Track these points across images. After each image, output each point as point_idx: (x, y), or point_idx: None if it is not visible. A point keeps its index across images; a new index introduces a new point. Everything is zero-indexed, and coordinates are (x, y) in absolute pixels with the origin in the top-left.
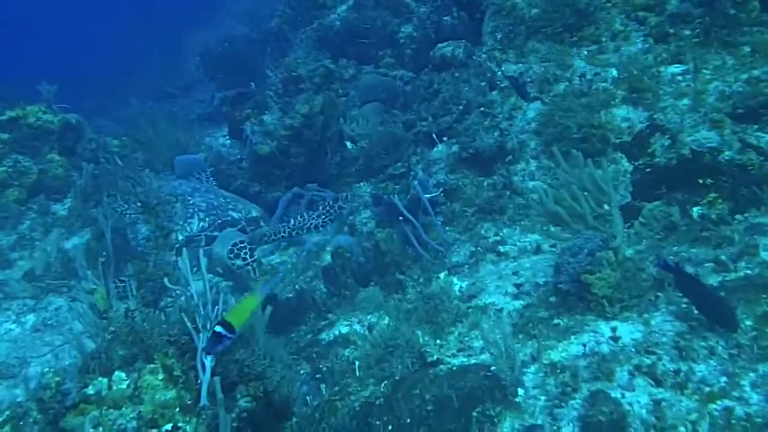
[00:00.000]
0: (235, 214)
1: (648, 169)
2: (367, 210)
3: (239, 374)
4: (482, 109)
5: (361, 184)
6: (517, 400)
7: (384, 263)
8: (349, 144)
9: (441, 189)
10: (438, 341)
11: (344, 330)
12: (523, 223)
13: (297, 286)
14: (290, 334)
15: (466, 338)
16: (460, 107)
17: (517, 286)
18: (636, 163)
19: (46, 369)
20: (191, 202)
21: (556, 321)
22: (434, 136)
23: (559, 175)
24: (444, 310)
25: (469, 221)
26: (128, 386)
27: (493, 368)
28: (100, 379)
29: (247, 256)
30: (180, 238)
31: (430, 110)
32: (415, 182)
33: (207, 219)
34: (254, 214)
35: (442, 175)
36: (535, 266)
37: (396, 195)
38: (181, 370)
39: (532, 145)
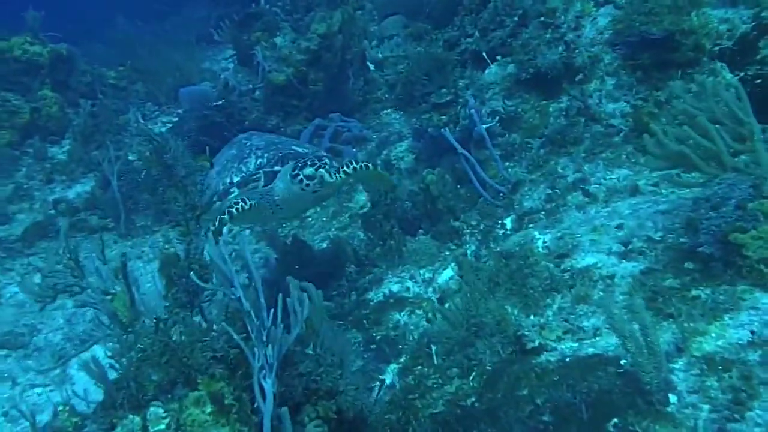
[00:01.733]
0: (299, 149)
1: (758, 81)
2: (403, 143)
3: (305, 391)
4: (542, 18)
5: (389, 111)
6: (669, 410)
7: (436, 209)
8: (371, 66)
9: (497, 117)
10: (534, 318)
11: (395, 288)
12: (605, 155)
13: (330, 233)
14: (331, 291)
15: (572, 315)
16: (515, 18)
17: (624, 243)
18: (741, 74)
19: (59, 406)
20: (248, 144)
21: (695, 293)
22: (485, 55)
23: (675, 106)
24: (531, 274)
25: (538, 156)
26: (168, 426)
27: (623, 362)
28: (130, 416)
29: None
30: (235, 179)
31: (478, 24)
32: (467, 110)
33: (265, 155)
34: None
35: (497, 101)
36: (638, 212)
37: (445, 128)
38: (233, 396)
39: (607, 59)
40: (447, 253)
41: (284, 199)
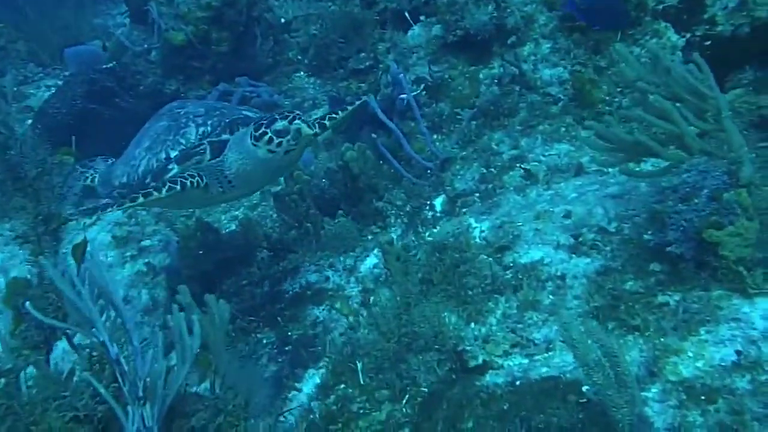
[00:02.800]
0: (249, 113)
1: (707, 42)
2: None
3: None
4: None
5: (301, 74)
6: None
7: (357, 188)
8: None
9: (422, 86)
10: (475, 327)
11: (313, 278)
12: (543, 127)
13: (239, 213)
14: (240, 280)
15: (519, 324)
16: None
17: (573, 234)
18: (688, 36)
19: None
20: (182, 112)
21: (662, 298)
22: (407, 14)
23: (624, 76)
24: (469, 271)
25: (469, 129)
26: None
27: (586, 389)
28: None
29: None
30: (172, 154)
31: None
32: (389, 77)
33: (209, 122)
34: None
35: (422, 66)
36: (585, 196)
37: (366, 96)
38: None
39: (542, 20)
40: (370, 237)
41: (239, 173)
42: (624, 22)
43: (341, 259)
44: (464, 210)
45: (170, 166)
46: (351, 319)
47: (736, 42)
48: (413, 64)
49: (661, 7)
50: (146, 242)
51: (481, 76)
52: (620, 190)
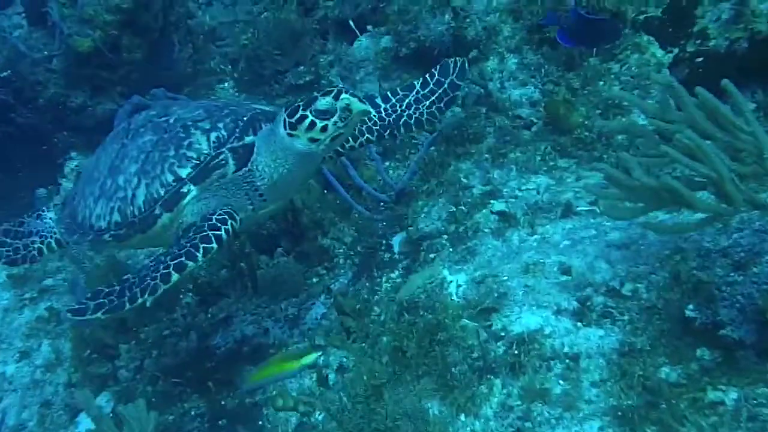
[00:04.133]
0: (263, 106)
1: (699, 59)
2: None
3: None
4: None
5: (226, 85)
6: None
7: (299, 223)
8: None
9: None
10: (467, 419)
11: (249, 330)
12: (515, 156)
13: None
14: (162, 329)
15: (525, 421)
16: None
17: (576, 294)
18: (676, 51)
19: None
20: (171, 120)
21: (714, 395)
22: (351, 23)
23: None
24: (450, 340)
25: (430, 157)
26: None
27: None
28: None
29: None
30: (183, 173)
31: None
32: None
33: (220, 125)
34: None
35: (371, 83)
36: (581, 245)
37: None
38: None
39: (507, 31)
40: (315, 280)
41: (274, 180)
42: (615, 39)
43: (282, 306)
44: (432, 255)
45: (185, 189)
46: (302, 408)
47: (732, 58)
48: (361, 80)
49: (642, 17)
50: (48, 281)
51: None
52: (623, 238)
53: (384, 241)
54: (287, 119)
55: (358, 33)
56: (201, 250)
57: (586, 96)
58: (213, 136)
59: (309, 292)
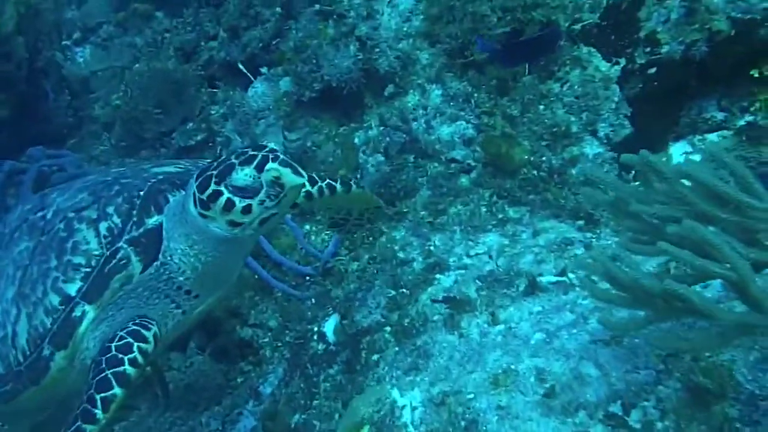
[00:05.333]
0: (167, 168)
1: (652, 70)
2: None
3: None
4: (317, 6)
5: None
6: None
7: (211, 316)
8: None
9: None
10: None
11: None
12: (455, 210)
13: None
14: None
15: None
16: (278, 9)
17: (572, 425)
18: (623, 63)
19: None
20: (48, 215)
21: None
22: (241, 66)
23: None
24: None
25: (353, 220)
26: None
27: None
28: None
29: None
30: (71, 289)
31: (222, 19)
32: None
33: (109, 209)
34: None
35: (275, 135)
36: (559, 340)
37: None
38: None
39: (424, 58)
40: (240, 380)
41: (198, 272)
42: (557, 43)
43: (203, 421)
44: (375, 357)
45: (78, 311)
46: None
47: (690, 66)
48: (262, 133)
49: (578, 26)
50: None
51: (356, 140)
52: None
53: (316, 328)
54: (197, 194)
55: (251, 77)
56: (99, 404)
57: (528, 125)
58: (103, 227)
59: (234, 398)
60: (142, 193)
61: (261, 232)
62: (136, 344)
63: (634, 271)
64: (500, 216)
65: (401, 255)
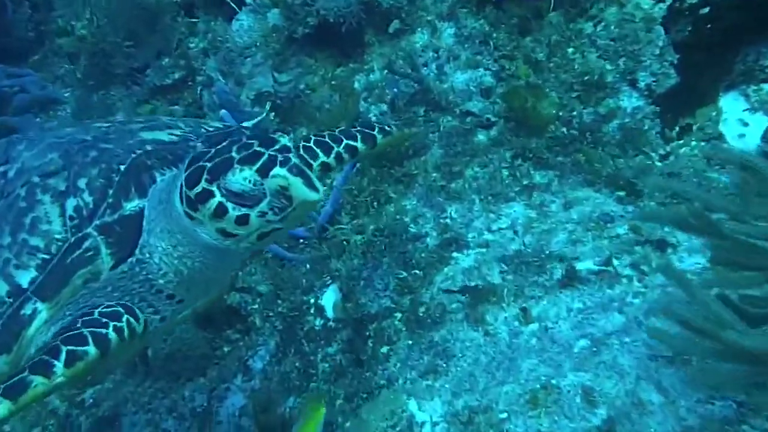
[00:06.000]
0: (161, 134)
1: (704, 10)
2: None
3: None
4: None
5: None
6: None
7: None
8: None
9: (268, 105)
10: None
11: None
12: (471, 173)
13: None
14: None
15: None
16: None
17: None
18: (670, 2)
19: None
20: (10, 173)
21: None
22: None
23: None
24: None
25: (360, 186)
26: None
27: None
28: None
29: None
30: (23, 279)
31: None
32: (213, 95)
33: (82, 181)
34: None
35: (263, 75)
36: (608, 348)
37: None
38: None
39: None
40: (226, 349)
41: (185, 275)
42: None
43: (186, 394)
44: (384, 350)
45: (27, 309)
46: None
47: (749, 5)
48: (249, 73)
49: None
50: None
51: (355, 84)
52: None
53: (312, 300)
54: (185, 189)
55: (236, 8)
56: (63, 356)
57: (555, 72)
58: (70, 204)
59: (220, 370)
60: (123, 167)
61: (260, 246)
62: (126, 315)
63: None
64: (525, 182)
65: (413, 228)
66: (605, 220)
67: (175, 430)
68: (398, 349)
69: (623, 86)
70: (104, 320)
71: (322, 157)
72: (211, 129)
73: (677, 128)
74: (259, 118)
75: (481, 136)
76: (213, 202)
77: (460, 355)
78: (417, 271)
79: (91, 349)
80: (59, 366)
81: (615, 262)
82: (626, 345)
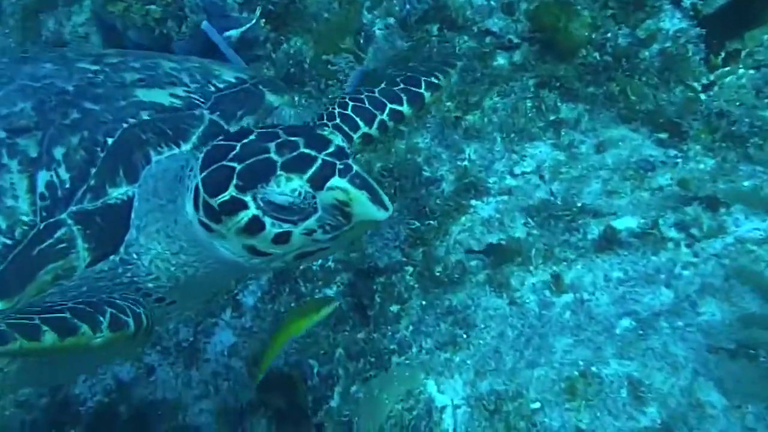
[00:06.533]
0: (161, 97)
1: None
2: None
3: None
4: None
5: None
6: None
7: None
8: None
9: (258, 9)
10: None
11: (126, 374)
12: (491, 104)
13: None
14: None
15: None
16: None
17: None
18: None
19: None
20: None
21: None
22: None
23: None
24: None
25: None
26: None
27: None
28: None
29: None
30: None
31: None
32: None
33: (59, 151)
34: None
35: None
36: (657, 331)
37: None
38: None
39: None
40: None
41: (179, 280)
42: None
43: (169, 327)
44: (395, 309)
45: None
46: None
47: None
48: None
49: None
50: None
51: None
52: (731, 315)
53: None
54: (203, 193)
55: None
56: (108, 316)
57: None
58: (42, 179)
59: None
60: (110, 140)
61: (295, 266)
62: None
63: None
64: (551, 117)
65: (426, 171)
66: (645, 168)
67: (158, 364)
68: (410, 309)
69: (665, 5)
70: (128, 304)
71: (364, 128)
72: (221, 85)
73: (723, 54)
74: (247, 25)
75: (501, 60)
76: (245, 216)
77: (482, 325)
78: (431, 222)
79: (131, 321)
80: (105, 324)
81: (661, 225)
82: (678, 330)
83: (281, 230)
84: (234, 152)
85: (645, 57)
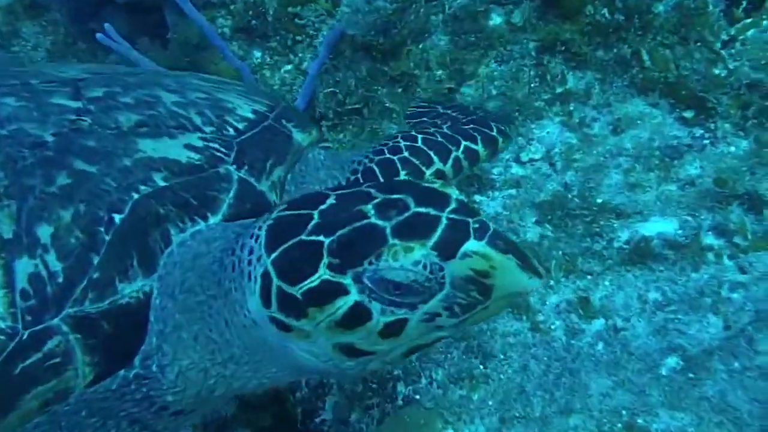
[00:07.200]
0: (176, 148)
1: None
2: None
3: None
4: None
5: None
6: None
7: None
8: None
9: None
10: None
11: None
12: (487, 70)
13: None
14: None
15: None
16: None
17: None
18: None
19: None
20: None
21: None
22: None
23: None
24: None
25: (345, 84)
26: None
27: None
28: None
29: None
30: None
31: None
32: None
33: (45, 230)
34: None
35: None
36: (712, 373)
37: None
38: None
39: None
40: None
41: (201, 393)
42: None
43: None
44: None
45: None
46: None
47: None
48: None
49: None
50: None
51: None
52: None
53: None
54: (278, 283)
55: None
56: None
57: None
58: (22, 270)
59: None
60: (117, 217)
61: (398, 363)
62: None
63: None
64: (558, 89)
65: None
66: (670, 155)
67: None
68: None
69: None
70: None
71: (438, 164)
72: (240, 126)
73: (744, 3)
74: None
75: (496, 18)
76: (344, 304)
77: (501, 356)
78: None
79: None
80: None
81: (692, 222)
82: (736, 375)
83: (393, 318)
84: (313, 222)
85: (659, 12)
